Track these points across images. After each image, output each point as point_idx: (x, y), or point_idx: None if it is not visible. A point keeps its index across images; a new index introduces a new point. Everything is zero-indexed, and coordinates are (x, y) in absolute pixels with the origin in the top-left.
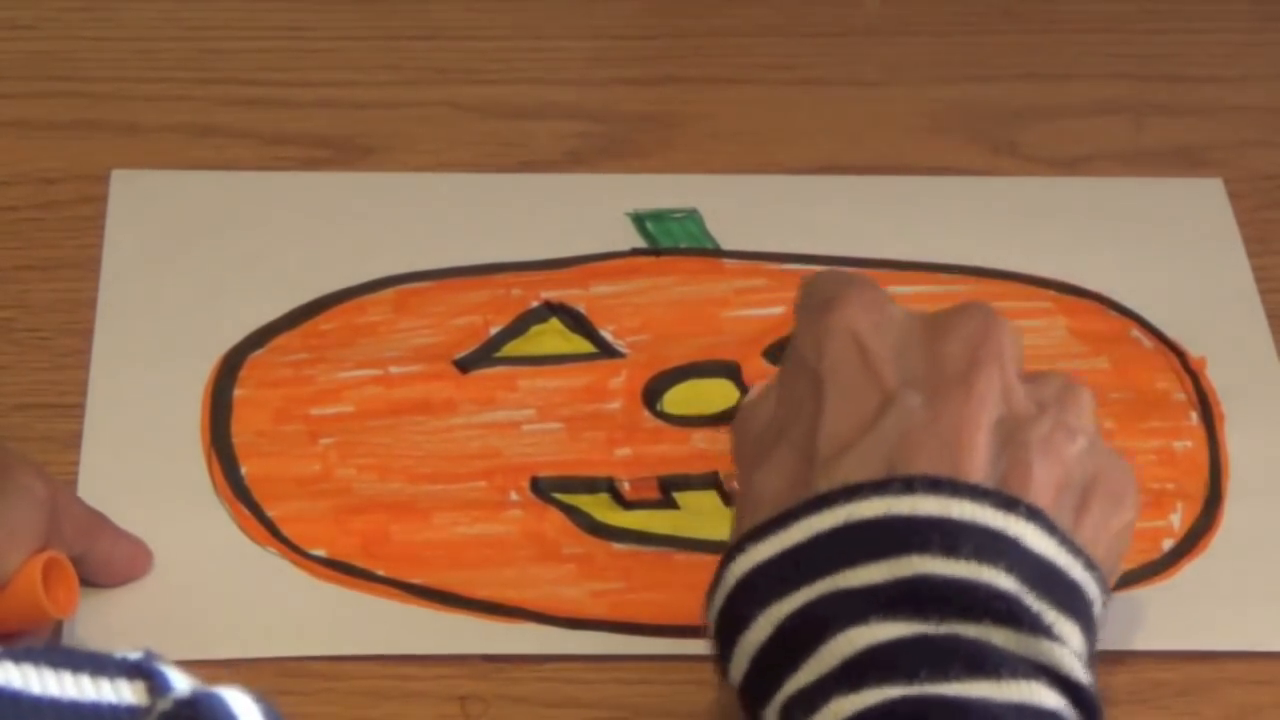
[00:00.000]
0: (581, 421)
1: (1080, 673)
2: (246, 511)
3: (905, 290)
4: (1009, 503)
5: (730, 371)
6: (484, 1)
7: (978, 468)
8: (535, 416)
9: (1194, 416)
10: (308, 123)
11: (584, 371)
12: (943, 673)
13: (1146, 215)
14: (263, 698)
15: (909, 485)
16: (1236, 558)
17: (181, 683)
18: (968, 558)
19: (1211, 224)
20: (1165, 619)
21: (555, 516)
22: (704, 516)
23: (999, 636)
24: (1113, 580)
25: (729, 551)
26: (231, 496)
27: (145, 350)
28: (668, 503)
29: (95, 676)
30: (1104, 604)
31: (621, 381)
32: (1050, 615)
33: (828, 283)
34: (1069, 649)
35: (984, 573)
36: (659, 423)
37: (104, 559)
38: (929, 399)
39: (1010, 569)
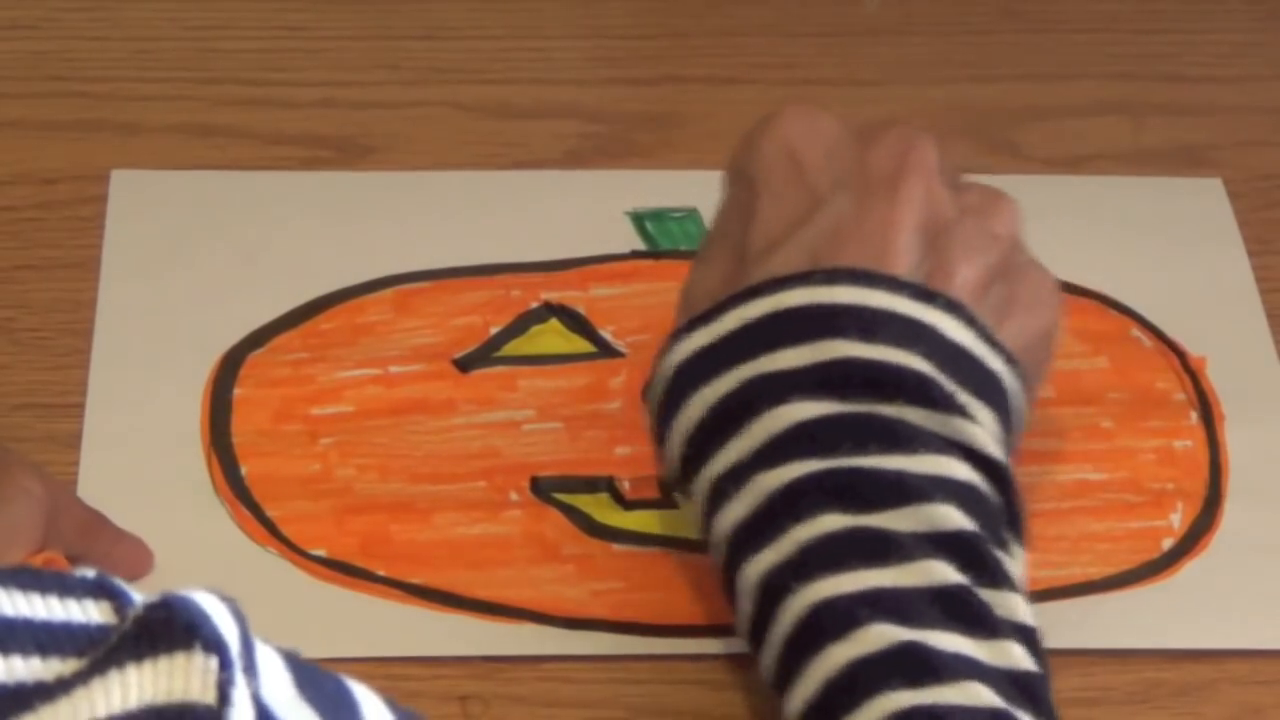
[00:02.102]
0: (581, 421)
1: (993, 449)
2: (246, 511)
3: None
4: (927, 295)
5: None
6: (484, 1)
7: (900, 264)
8: (535, 416)
9: (1194, 416)
10: (308, 123)
11: (584, 371)
12: (861, 447)
13: (1146, 215)
14: (227, 596)
15: (832, 276)
16: (1236, 557)
17: (142, 598)
18: (884, 342)
19: (1211, 223)
20: (1165, 619)
21: (555, 517)
22: None
23: (914, 415)
24: (1036, 388)
25: (664, 345)
26: (231, 496)
27: (145, 350)
28: (668, 503)
29: (63, 597)
30: (1025, 400)
31: (621, 381)
32: (964, 397)
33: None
34: (983, 429)
35: (899, 355)
36: None
37: (104, 559)
38: (856, 200)
39: (927, 355)
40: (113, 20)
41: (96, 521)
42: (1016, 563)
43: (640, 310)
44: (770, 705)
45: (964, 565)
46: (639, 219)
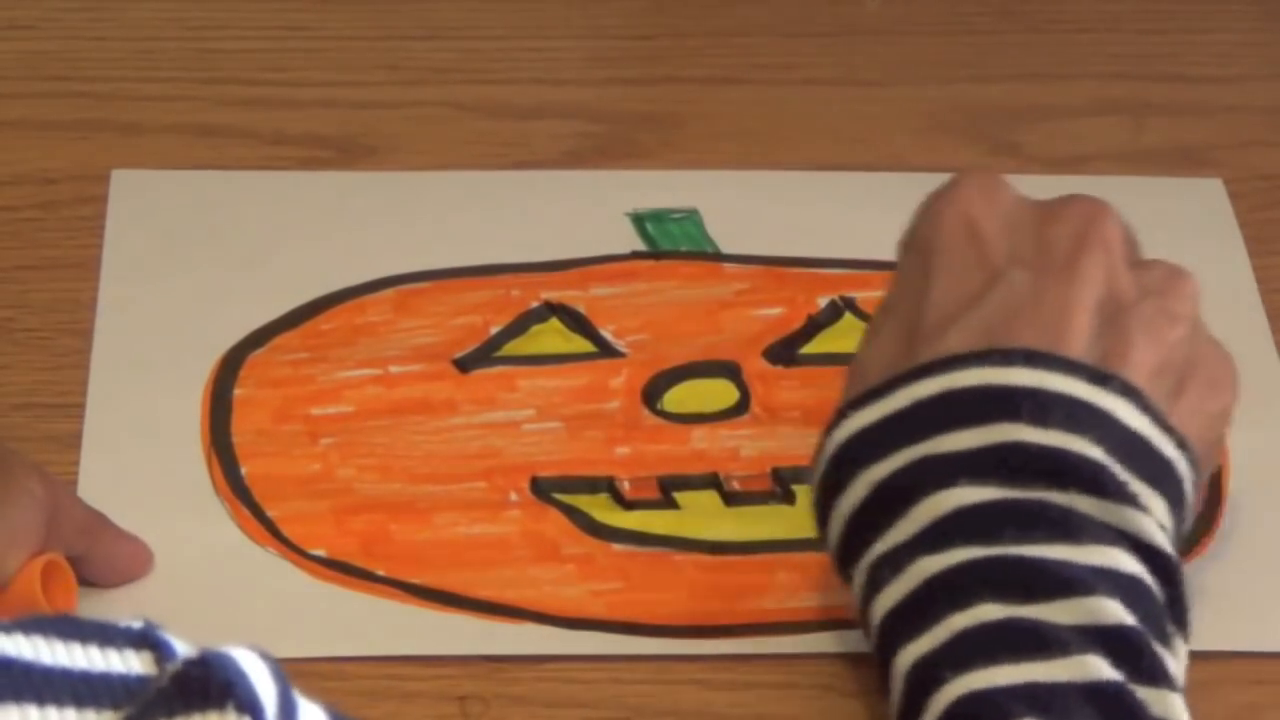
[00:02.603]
0: (581, 421)
1: (1161, 539)
2: (246, 511)
3: None
4: (1103, 377)
5: (730, 371)
6: (484, 1)
7: (1077, 345)
8: (535, 416)
9: None
10: (308, 123)
11: (584, 371)
12: (1026, 536)
13: (1146, 215)
14: (268, 655)
15: (1007, 357)
16: (1236, 558)
17: (186, 650)
18: (1057, 427)
19: (1212, 224)
20: None
21: (555, 517)
22: (704, 516)
23: (1084, 504)
24: (1208, 467)
25: (832, 419)
26: (231, 496)
27: (145, 350)
28: (668, 502)
29: (103, 647)
30: (1195, 484)
31: (621, 381)
32: (1136, 486)
33: (948, 180)
34: (1152, 518)
35: (1072, 442)
36: (659, 422)
37: (104, 559)
38: (1034, 278)
39: (1100, 440)
40: (113, 20)
41: (97, 522)
42: (1178, 659)
43: (640, 310)
44: (770, 705)
45: (1122, 661)
46: (639, 220)
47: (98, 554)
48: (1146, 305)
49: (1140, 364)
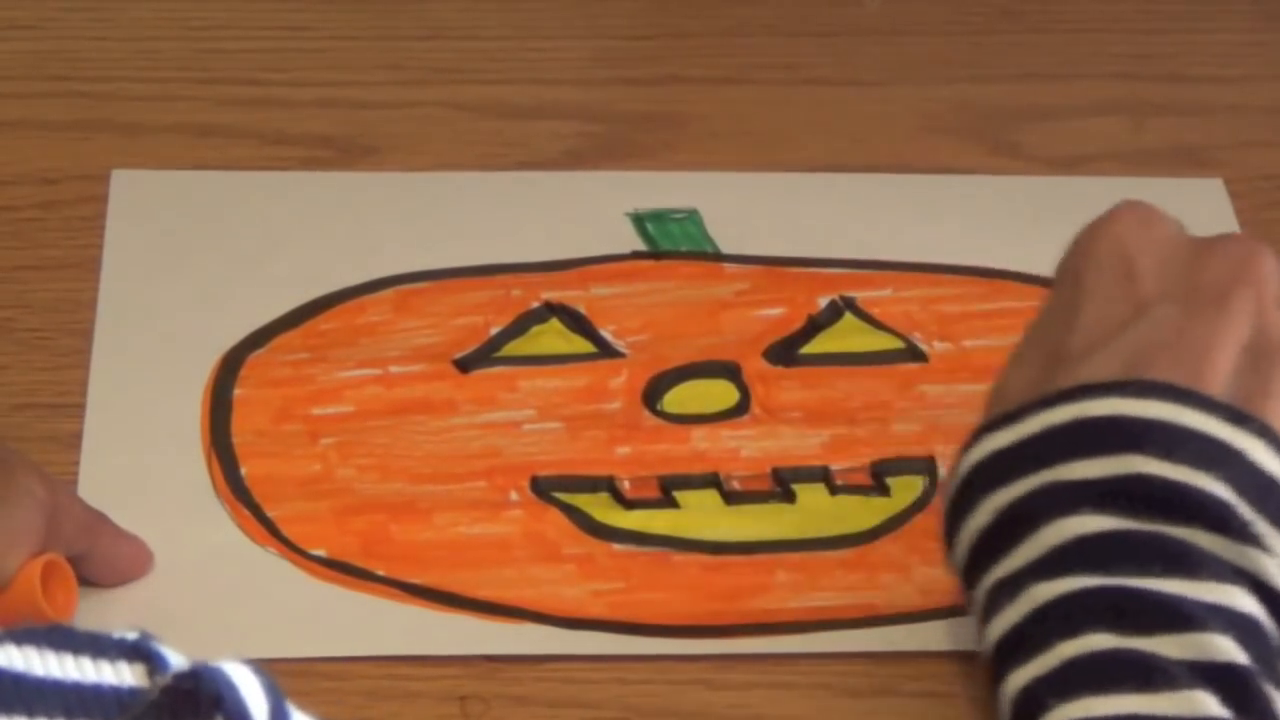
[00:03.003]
0: (582, 421)
1: None
2: (246, 511)
3: (906, 293)
4: (1239, 417)
5: (730, 372)
6: (484, 1)
7: (1217, 382)
8: (535, 416)
9: None
10: (308, 123)
11: (584, 371)
12: (1143, 568)
13: None
14: (262, 670)
15: (1143, 389)
16: None
17: (179, 662)
18: (1185, 462)
19: (1212, 224)
20: None
21: (555, 516)
22: (704, 516)
23: (1206, 540)
24: None
25: (968, 439)
26: (231, 496)
27: (145, 350)
28: (668, 502)
29: (96, 659)
30: None
31: (622, 381)
32: (1261, 526)
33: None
34: (1276, 560)
35: (1199, 478)
36: (659, 422)
37: (104, 559)
38: (1182, 311)
39: (1228, 479)
40: (113, 20)
41: (97, 521)
42: None
43: (641, 310)
44: (770, 705)
45: (1230, 700)
46: (639, 220)
47: (98, 553)
48: None
49: None
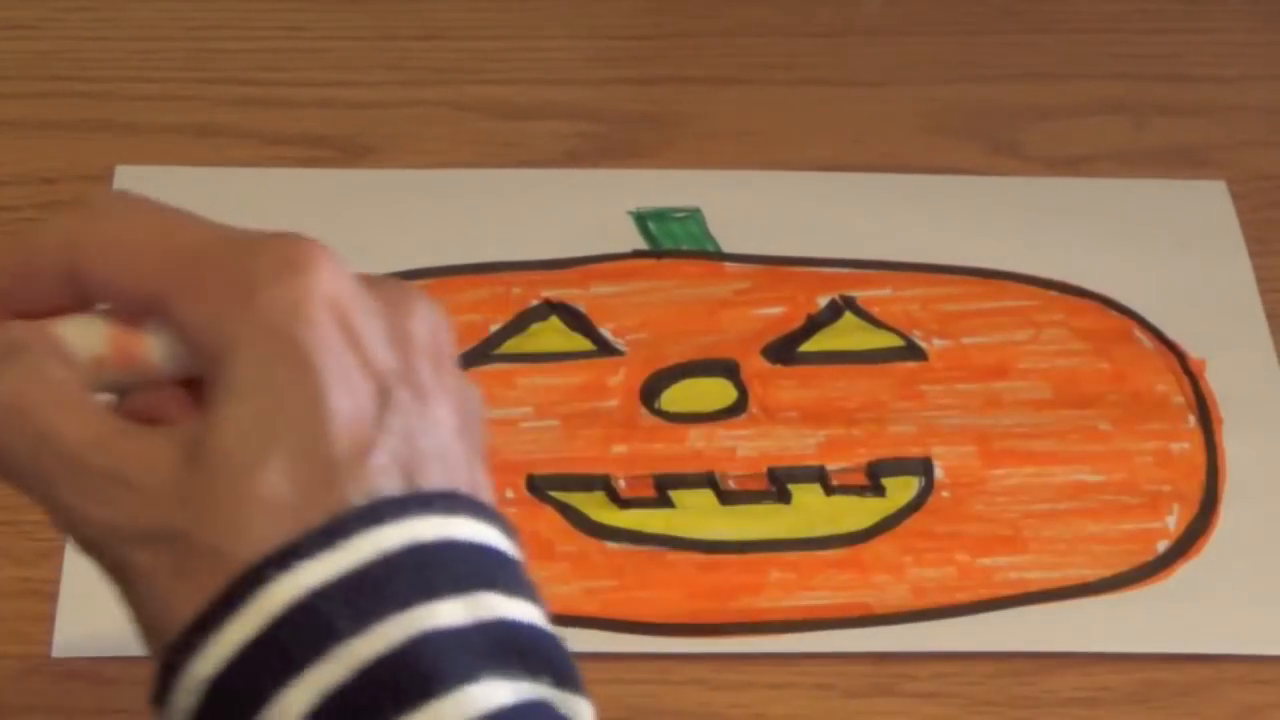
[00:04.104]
0: (579, 419)
1: None
2: None
3: (906, 293)
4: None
5: (729, 370)
6: (484, 1)
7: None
8: (532, 414)
9: (1192, 420)
10: (308, 123)
11: (582, 369)
12: None
13: (1147, 215)
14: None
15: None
16: (1231, 561)
17: None
18: (531, 597)
19: (1213, 224)
20: (1160, 621)
21: (550, 515)
22: (699, 515)
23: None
24: None
25: (239, 584)
26: None
27: None
28: (663, 501)
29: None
30: None
31: (620, 379)
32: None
33: (272, 240)
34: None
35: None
36: (656, 421)
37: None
38: (414, 394)
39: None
40: (113, 20)
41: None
42: None
43: (640, 308)
44: (770, 705)
45: None
46: (641, 219)
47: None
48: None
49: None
